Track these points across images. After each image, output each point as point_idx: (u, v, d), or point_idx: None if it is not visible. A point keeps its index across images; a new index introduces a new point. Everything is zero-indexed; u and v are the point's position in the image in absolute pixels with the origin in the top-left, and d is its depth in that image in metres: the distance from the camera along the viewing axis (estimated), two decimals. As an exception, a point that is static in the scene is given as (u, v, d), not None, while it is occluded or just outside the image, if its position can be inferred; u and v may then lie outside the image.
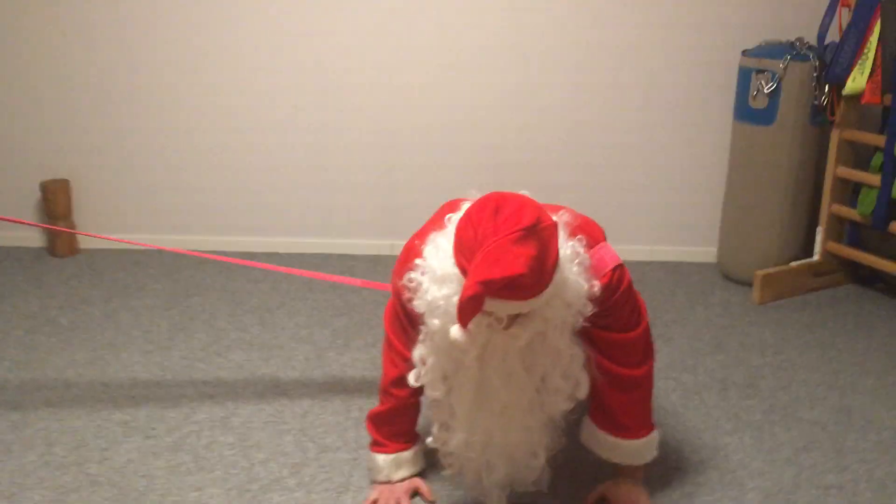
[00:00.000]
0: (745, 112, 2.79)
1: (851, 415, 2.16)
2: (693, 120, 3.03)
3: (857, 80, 2.60)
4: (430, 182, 3.17)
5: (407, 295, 1.59)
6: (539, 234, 1.39)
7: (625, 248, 3.13)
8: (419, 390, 1.77)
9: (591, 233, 1.64)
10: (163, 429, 2.11)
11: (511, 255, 1.35)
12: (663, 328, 2.64)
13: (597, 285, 1.55)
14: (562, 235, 1.51)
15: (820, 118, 2.73)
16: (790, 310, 2.76)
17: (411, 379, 1.63)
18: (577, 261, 1.52)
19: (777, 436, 2.07)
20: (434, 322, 1.51)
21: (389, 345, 1.77)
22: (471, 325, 1.42)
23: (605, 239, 1.69)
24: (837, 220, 2.84)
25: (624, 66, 2.99)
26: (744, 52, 2.80)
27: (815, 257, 2.87)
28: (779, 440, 2.05)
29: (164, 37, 3.07)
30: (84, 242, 3.31)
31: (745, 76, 2.77)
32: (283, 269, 2.41)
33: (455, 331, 1.42)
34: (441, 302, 1.49)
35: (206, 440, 2.06)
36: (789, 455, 1.99)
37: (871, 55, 2.56)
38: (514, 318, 1.47)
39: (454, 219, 1.54)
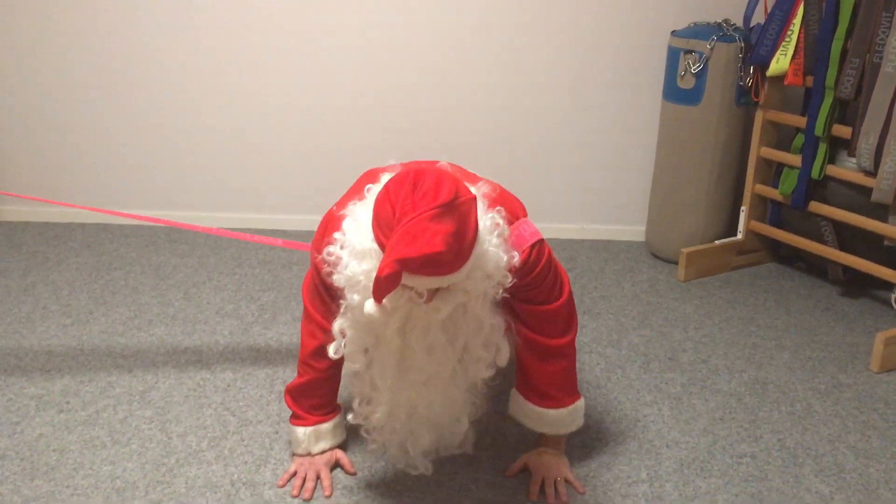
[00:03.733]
0: (673, 92, 2.83)
1: (767, 387, 2.22)
2: (624, 99, 3.06)
3: (780, 62, 2.65)
4: (359, 158, 3.13)
5: (326, 269, 1.57)
6: (457, 209, 1.39)
7: (555, 227, 3.20)
8: (338, 362, 1.75)
9: (510, 207, 1.64)
10: (78, 403, 2.06)
11: (429, 232, 1.34)
12: (591, 304, 2.67)
13: (516, 256, 1.56)
14: (481, 207, 1.51)
15: (745, 99, 2.78)
16: (713, 287, 2.81)
17: (331, 351, 1.62)
18: (496, 232, 1.52)
19: (695, 407, 2.12)
20: (354, 297, 1.50)
21: (308, 317, 1.75)
22: (389, 300, 1.41)
23: (525, 214, 1.69)
24: (760, 200, 2.90)
25: (554, 46, 3.00)
26: (673, 33, 2.83)
27: (739, 236, 2.93)
28: (696, 411, 2.10)
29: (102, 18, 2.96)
30: (4, 215, 3.20)
31: (673, 56, 2.80)
32: (202, 228, 2.33)
33: (370, 305, 1.42)
34: (361, 277, 1.47)
35: (123, 414, 2.02)
36: (706, 425, 2.04)
37: (795, 37, 2.61)
38: (434, 292, 1.46)
39: (374, 190, 1.52)
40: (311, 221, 3.17)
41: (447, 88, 3.06)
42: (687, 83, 2.77)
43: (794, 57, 2.62)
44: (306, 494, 1.75)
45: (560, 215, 3.20)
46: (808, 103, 2.64)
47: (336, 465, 1.84)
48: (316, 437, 1.81)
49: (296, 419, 1.83)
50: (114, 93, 3.07)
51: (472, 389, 1.68)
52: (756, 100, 2.77)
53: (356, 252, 1.49)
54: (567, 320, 1.76)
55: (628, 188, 3.18)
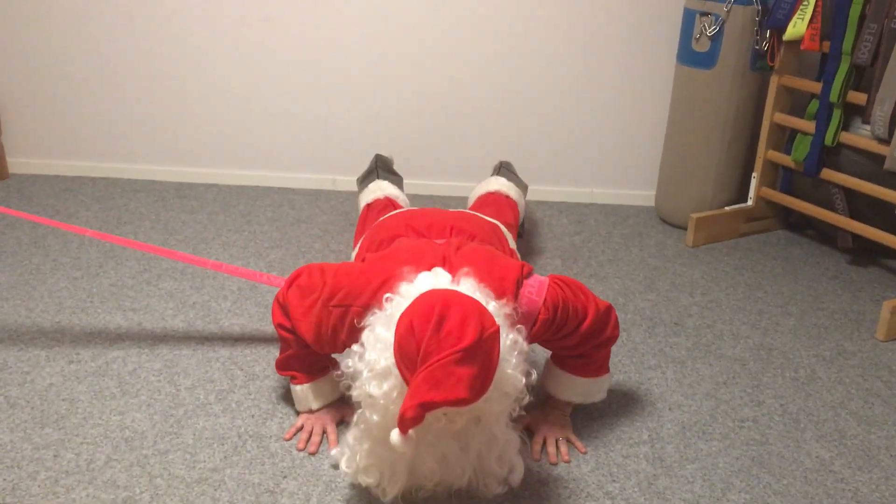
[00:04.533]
0: (687, 55, 2.79)
1: (771, 353, 2.22)
2: (637, 62, 3.03)
3: (797, 26, 2.61)
4: (369, 119, 3.13)
5: (345, 382, 1.56)
6: (481, 347, 1.38)
7: (565, 190, 3.19)
8: None
9: (503, 271, 1.66)
10: (87, 354, 2.08)
11: (454, 378, 1.34)
12: (598, 268, 2.67)
13: (534, 374, 1.57)
14: (503, 332, 1.49)
15: (760, 63, 2.75)
16: (722, 253, 2.81)
17: (343, 465, 1.57)
18: (515, 353, 1.52)
19: (699, 371, 2.13)
20: (373, 417, 1.48)
21: (283, 304, 1.77)
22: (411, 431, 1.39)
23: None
24: (772, 167, 2.88)
25: (567, 6, 2.96)
26: (689, -6, 2.79)
27: (749, 202, 2.92)
28: (700, 375, 2.11)
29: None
30: (15, 167, 3.21)
31: (689, 18, 2.77)
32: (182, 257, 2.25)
33: (395, 436, 1.37)
34: (381, 400, 1.45)
35: (132, 366, 2.04)
36: (709, 389, 2.05)
37: (812, 1, 2.57)
38: None
39: (395, 306, 1.51)
40: (320, 181, 3.19)
41: (459, 51, 3.03)
42: (702, 46, 2.74)
43: (811, 21, 2.58)
44: (312, 448, 1.77)
45: (570, 179, 3.19)
46: (824, 69, 2.61)
47: (342, 420, 1.86)
48: (314, 394, 1.83)
49: (293, 379, 1.85)
50: (124, 49, 3.06)
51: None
52: (771, 64, 2.73)
53: (377, 372, 1.46)
54: (601, 326, 1.76)
55: (639, 152, 3.16)
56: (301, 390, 1.83)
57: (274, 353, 2.11)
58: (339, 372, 1.59)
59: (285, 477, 1.70)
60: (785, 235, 2.96)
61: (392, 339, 1.46)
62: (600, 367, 1.84)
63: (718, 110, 2.79)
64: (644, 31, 2.98)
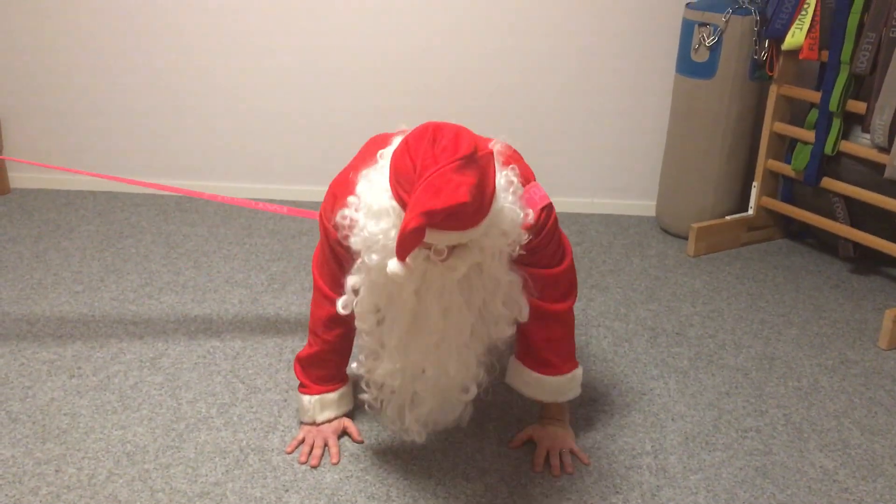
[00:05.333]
0: (686, 65, 2.80)
1: (774, 363, 2.22)
2: (636, 72, 3.03)
3: (795, 36, 2.62)
4: (371, 132, 3.12)
5: (343, 233, 1.57)
6: (478, 161, 1.38)
7: (565, 200, 3.19)
8: (348, 333, 1.77)
9: (522, 168, 1.64)
10: (89, 368, 2.08)
11: (453, 184, 1.34)
12: (599, 278, 2.67)
13: (531, 214, 1.56)
14: (497, 164, 1.50)
15: (759, 73, 2.75)
16: (723, 262, 2.81)
17: (339, 306, 1.61)
18: (511, 189, 1.52)
19: (701, 381, 2.12)
20: (372, 258, 1.49)
21: (318, 288, 1.76)
22: (409, 259, 1.41)
23: (534, 178, 1.69)
24: (772, 176, 2.88)
25: (566, 16, 2.97)
26: (687, 5, 2.80)
27: (750, 212, 2.92)
28: (703, 385, 2.10)
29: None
30: (16, 182, 3.22)
31: (687, 29, 2.77)
32: (212, 196, 2.31)
33: (393, 264, 1.40)
34: (380, 237, 1.47)
35: (134, 380, 2.04)
36: (711, 399, 2.04)
37: (811, 11, 2.58)
38: (451, 250, 1.46)
39: (387, 153, 1.52)
40: (320, 193, 3.18)
41: (457, 59, 3.04)
42: (701, 56, 2.74)
43: (809, 31, 2.59)
44: (313, 461, 1.77)
45: (570, 189, 3.19)
46: (823, 78, 2.61)
47: (343, 433, 1.86)
48: (321, 407, 1.83)
49: (302, 388, 1.85)
50: (125, 63, 3.07)
51: (489, 353, 1.67)
52: (770, 74, 2.74)
53: (373, 212, 1.48)
54: (568, 286, 1.76)
55: (639, 162, 3.16)
56: (308, 401, 1.83)
57: (276, 366, 2.12)
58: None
59: (287, 490, 1.69)
60: (786, 244, 2.96)
61: (387, 183, 1.46)
62: (563, 364, 1.79)
63: (718, 120, 2.79)
64: (643, 42, 2.99)
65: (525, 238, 1.54)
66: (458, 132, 1.41)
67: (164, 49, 3.05)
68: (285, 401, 1.97)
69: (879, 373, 2.19)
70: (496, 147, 1.56)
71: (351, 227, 1.54)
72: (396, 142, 1.52)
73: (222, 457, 1.78)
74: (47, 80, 3.10)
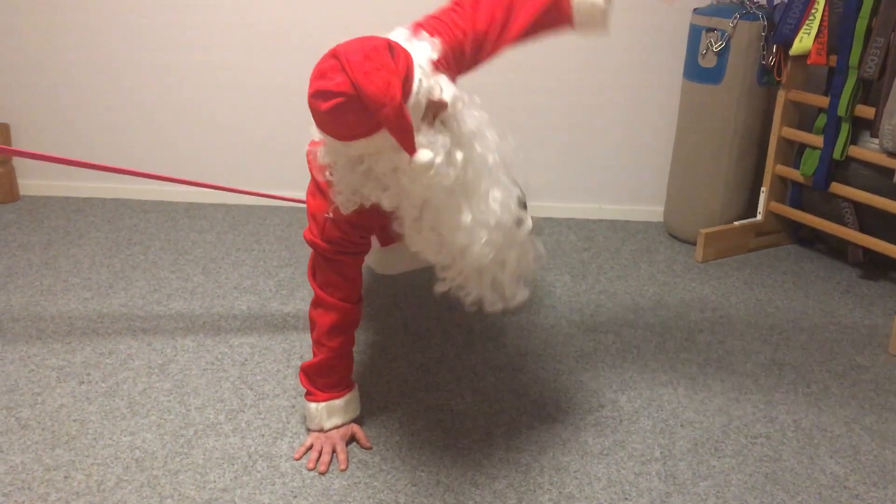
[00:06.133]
0: (694, 71, 2.80)
1: (783, 368, 2.21)
2: (644, 78, 3.03)
3: (803, 41, 2.62)
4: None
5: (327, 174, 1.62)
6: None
7: (573, 206, 3.19)
8: (351, 339, 1.80)
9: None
10: (98, 375, 2.08)
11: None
12: (607, 284, 2.66)
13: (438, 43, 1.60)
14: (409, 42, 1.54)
15: (767, 78, 2.75)
16: (732, 268, 2.80)
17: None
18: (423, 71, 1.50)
19: (710, 387, 2.11)
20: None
21: (318, 298, 1.78)
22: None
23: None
24: (781, 181, 2.88)
25: (576, 22, 2.97)
26: (695, 10, 2.79)
27: (758, 217, 2.91)
28: (712, 391, 2.10)
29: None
30: (25, 189, 3.23)
31: (695, 34, 2.77)
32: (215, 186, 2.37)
33: (421, 155, 1.44)
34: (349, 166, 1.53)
35: (142, 386, 2.04)
36: (721, 405, 2.04)
37: (818, 16, 2.57)
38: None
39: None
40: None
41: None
42: (708, 62, 2.74)
43: (817, 36, 2.59)
44: (322, 468, 1.77)
45: (578, 195, 3.19)
46: (831, 83, 2.60)
47: (352, 439, 1.86)
48: (328, 413, 1.83)
49: (309, 395, 1.85)
50: (134, 69, 3.08)
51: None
52: (778, 79, 2.73)
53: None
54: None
55: (647, 168, 3.16)
56: (315, 408, 1.83)
57: (284, 371, 2.12)
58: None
59: (296, 497, 1.69)
60: (795, 250, 2.95)
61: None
62: None
63: (726, 125, 2.79)
64: (651, 47, 2.99)
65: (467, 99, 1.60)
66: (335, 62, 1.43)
67: (176, 56, 3.06)
68: (293, 407, 1.97)
69: (890, 378, 2.18)
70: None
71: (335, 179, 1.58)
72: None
73: (231, 463, 1.78)
74: (57, 86, 3.12)
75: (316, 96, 1.42)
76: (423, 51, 1.54)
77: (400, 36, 1.57)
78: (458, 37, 1.69)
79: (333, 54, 1.42)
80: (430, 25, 1.67)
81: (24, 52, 3.08)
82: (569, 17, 1.79)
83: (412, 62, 1.45)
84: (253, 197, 3.19)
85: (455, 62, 1.70)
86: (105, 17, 3.02)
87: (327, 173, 1.59)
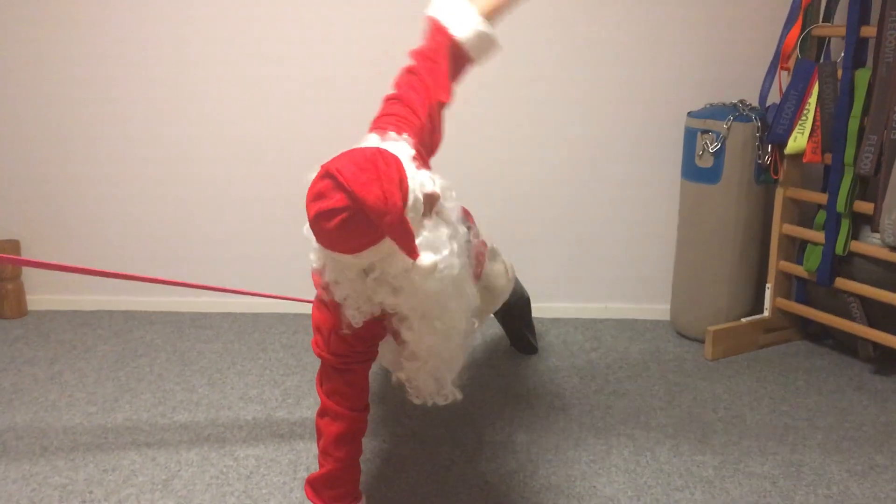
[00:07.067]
0: (692, 171, 2.85)
1: (801, 469, 2.16)
2: (643, 178, 3.08)
3: (798, 140, 2.67)
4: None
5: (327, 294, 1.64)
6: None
7: (578, 306, 3.19)
8: (359, 449, 1.77)
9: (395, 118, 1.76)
10: (101, 492, 2.04)
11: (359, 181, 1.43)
12: (616, 384, 2.63)
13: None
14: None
15: (764, 177, 2.80)
16: (742, 365, 2.77)
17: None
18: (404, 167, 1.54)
19: (728, 491, 2.06)
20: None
21: (325, 407, 1.76)
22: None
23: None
24: (785, 277, 2.88)
25: (574, 123, 3.04)
26: (689, 114, 2.87)
27: (765, 313, 2.90)
28: (730, 495, 2.04)
29: (113, 93, 3.07)
30: (33, 304, 3.25)
31: (690, 136, 2.84)
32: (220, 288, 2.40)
33: (424, 258, 1.47)
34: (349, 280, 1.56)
35: (146, 503, 2.00)
36: (739, 510, 1.98)
37: (811, 116, 2.64)
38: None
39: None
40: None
41: (462, 164, 3.08)
42: (705, 162, 2.79)
43: (811, 135, 2.64)
44: (330, 586, 1.71)
45: (583, 294, 3.19)
46: (829, 180, 2.64)
47: (357, 554, 1.81)
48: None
49: (314, 511, 1.80)
50: (137, 184, 3.15)
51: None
52: (775, 177, 2.78)
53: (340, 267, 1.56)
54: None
55: (651, 266, 3.17)
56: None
57: (290, 484, 2.07)
58: None
59: None
60: (805, 346, 2.93)
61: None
62: None
63: (727, 223, 2.82)
64: (648, 149, 3.05)
65: (451, 195, 1.64)
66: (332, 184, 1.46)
67: (176, 168, 3.13)
68: (300, 522, 1.92)
69: (912, 477, 2.12)
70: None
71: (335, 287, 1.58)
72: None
73: (236, 583, 1.72)
74: (64, 203, 3.17)
75: (319, 217, 1.44)
76: (403, 150, 1.58)
77: (373, 141, 1.62)
78: (417, 126, 1.75)
79: (326, 173, 1.45)
80: (391, 125, 1.73)
81: (32, 167, 3.15)
82: (468, 58, 1.92)
83: (402, 165, 1.49)
84: (258, 306, 3.22)
85: (425, 151, 1.76)
86: (112, 130, 3.11)
87: (334, 293, 1.60)
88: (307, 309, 3.18)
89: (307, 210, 1.46)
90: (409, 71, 1.83)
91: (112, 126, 3.10)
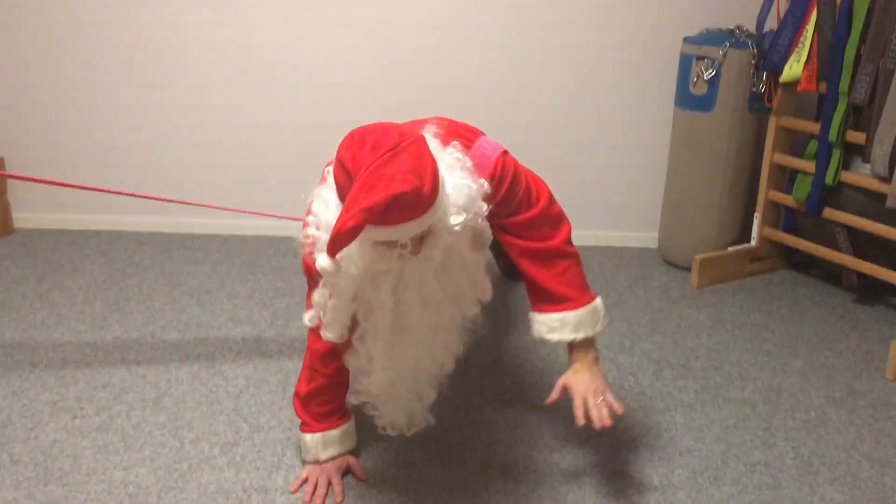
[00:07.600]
0: (685, 98, 2.82)
1: (781, 395, 2.20)
2: (635, 105, 3.05)
3: (793, 68, 2.64)
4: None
5: (307, 251, 1.57)
6: (407, 150, 1.37)
7: (567, 233, 3.19)
8: (345, 366, 1.77)
9: (464, 134, 1.66)
10: (91, 409, 2.07)
11: (385, 177, 1.33)
12: (603, 311, 2.66)
13: (485, 183, 1.56)
14: (435, 145, 1.51)
15: (758, 105, 2.77)
16: (727, 294, 2.80)
17: (306, 319, 1.62)
18: (459, 167, 1.51)
19: (708, 414, 2.10)
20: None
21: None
22: (379, 261, 1.43)
23: (481, 133, 1.71)
24: (774, 207, 2.89)
25: (564, 50, 3.00)
26: (685, 39, 2.82)
27: (752, 243, 2.92)
28: (709, 419, 2.09)
29: (101, 19, 2.99)
30: (20, 222, 3.23)
31: (685, 63, 2.80)
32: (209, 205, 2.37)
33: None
34: (343, 252, 1.45)
35: (136, 420, 2.03)
36: (719, 433, 2.03)
37: (808, 43, 2.60)
38: (420, 241, 1.45)
39: (329, 168, 1.53)
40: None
41: (453, 91, 3.05)
42: (699, 89, 2.76)
43: (807, 63, 2.61)
44: (318, 501, 1.75)
45: (572, 221, 3.17)
46: (822, 109, 2.62)
47: (347, 471, 1.85)
48: (324, 444, 1.81)
49: (304, 426, 1.83)
50: (127, 102, 3.10)
51: (461, 331, 1.66)
52: (769, 106, 2.76)
53: (329, 227, 1.45)
54: (553, 222, 1.77)
55: (640, 195, 3.17)
56: (311, 440, 1.81)
57: (279, 403, 2.10)
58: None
59: (291, 531, 1.67)
60: (790, 275, 2.95)
61: (335, 196, 1.46)
62: (580, 296, 1.77)
63: (718, 152, 2.81)
64: (642, 75, 3.02)
65: (486, 209, 1.53)
66: (383, 129, 1.41)
67: (169, 89, 3.08)
68: (288, 439, 1.96)
69: (887, 404, 2.17)
70: (430, 131, 1.56)
71: (314, 245, 1.52)
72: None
73: (225, 497, 1.76)
74: (50, 120, 3.13)
75: (390, 207, 1.34)
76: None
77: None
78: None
79: (353, 175, 1.37)
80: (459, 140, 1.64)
81: (20, 86, 3.09)
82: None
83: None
84: (247, 228, 3.21)
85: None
86: (102, 49, 3.04)
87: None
88: (296, 231, 3.19)
89: (353, 207, 1.33)
90: None
91: (104, 42, 3.03)
